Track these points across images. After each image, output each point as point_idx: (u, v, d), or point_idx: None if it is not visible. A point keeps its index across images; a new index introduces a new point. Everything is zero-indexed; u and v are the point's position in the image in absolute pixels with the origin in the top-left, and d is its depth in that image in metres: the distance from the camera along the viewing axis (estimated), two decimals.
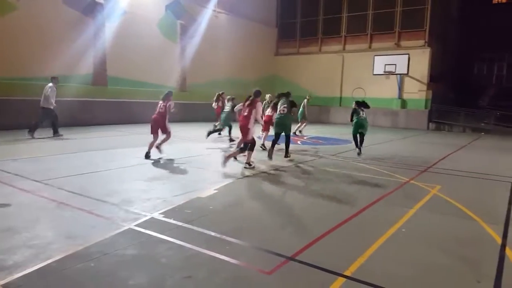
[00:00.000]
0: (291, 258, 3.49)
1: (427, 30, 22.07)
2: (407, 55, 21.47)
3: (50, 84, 11.37)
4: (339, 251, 3.76)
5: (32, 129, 10.99)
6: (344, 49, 24.99)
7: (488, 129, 21.15)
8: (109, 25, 16.37)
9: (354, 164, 8.97)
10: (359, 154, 10.12)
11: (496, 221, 4.85)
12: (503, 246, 4.05)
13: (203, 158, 9.17)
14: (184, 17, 20.13)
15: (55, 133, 11.45)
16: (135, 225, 4.17)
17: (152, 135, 8.52)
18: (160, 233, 3.94)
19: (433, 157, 10.58)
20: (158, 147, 8.56)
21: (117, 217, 4.46)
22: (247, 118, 7.65)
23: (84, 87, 15.62)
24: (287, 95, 9.50)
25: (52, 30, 14.40)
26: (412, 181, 7.17)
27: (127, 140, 11.84)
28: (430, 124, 22.13)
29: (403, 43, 22.81)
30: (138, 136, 12.83)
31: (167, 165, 7.88)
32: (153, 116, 8.58)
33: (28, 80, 13.52)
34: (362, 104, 10.29)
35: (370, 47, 23.97)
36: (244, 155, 7.95)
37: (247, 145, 7.73)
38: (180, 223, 4.27)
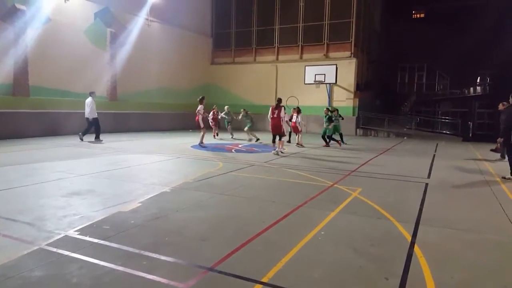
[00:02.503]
0: (211, 269, 3.47)
1: (353, 42, 23.46)
2: (335, 66, 22.61)
3: (91, 99, 14.19)
4: (259, 258, 3.80)
5: (96, 136, 14.20)
6: (277, 59, 25.72)
7: (409, 133, 22.86)
8: (32, 32, 15.37)
9: (284, 170, 9.20)
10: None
11: (408, 220, 5.19)
12: (412, 244, 4.32)
13: (130, 170, 8.84)
14: (115, 24, 19.47)
15: (97, 138, 14.26)
16: (46, 245, 3.90)
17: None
18: (73, 252, 3.72)
19: (357, 161, 11.18)
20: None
21: (27, 236, 4.15)
22: (278, 118, 11.89)
23: (3, 98, 14.50)
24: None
25: None
26: (336, 185, 7.50)
27: (49, 153, 11.07)
28: (358, 130, 23.41)
29: (331, 54, 24.03)
30: (62, 149, 12.07)
31: (91, 178, 7.50)
32: None
33: None
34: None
35: (301, 57, 24.92)
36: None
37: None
38: (96, 240, 4.07)
